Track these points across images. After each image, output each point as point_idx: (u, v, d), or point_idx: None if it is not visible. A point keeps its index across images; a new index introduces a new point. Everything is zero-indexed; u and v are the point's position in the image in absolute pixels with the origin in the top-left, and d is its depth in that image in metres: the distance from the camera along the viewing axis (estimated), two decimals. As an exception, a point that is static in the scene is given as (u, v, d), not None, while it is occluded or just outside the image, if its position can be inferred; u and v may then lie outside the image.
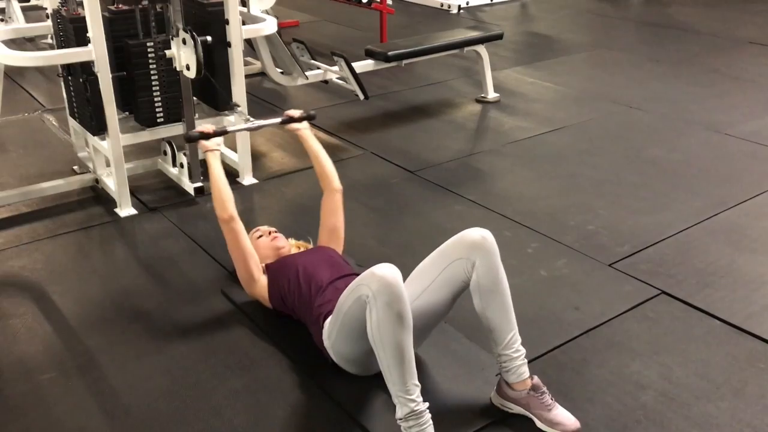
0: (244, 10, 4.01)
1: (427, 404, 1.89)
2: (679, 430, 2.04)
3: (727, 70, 5.48)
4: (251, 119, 2.72)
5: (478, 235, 2.06)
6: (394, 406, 1.90)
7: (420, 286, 2.12)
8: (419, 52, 4.50)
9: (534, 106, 4.74)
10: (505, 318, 2.05)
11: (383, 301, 1.85)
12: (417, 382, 1.88)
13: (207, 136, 2.58)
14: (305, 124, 2.76)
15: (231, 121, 3.48)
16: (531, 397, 2.02)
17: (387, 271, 1.89)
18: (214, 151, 2.57)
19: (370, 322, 1.88)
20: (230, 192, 2.48)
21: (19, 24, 5.61)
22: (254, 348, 2.40)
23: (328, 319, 2.18)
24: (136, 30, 3.26)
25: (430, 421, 1.89)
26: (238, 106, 2.84)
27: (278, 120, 2.75)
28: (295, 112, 2.76)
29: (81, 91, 3.25)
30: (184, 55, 3.01)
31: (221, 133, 2.63)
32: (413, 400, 1.87)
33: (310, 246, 2.72)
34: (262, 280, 2.48)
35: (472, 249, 2.04)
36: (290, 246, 2.67)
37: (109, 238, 3.14)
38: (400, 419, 1.88)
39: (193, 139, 2.60)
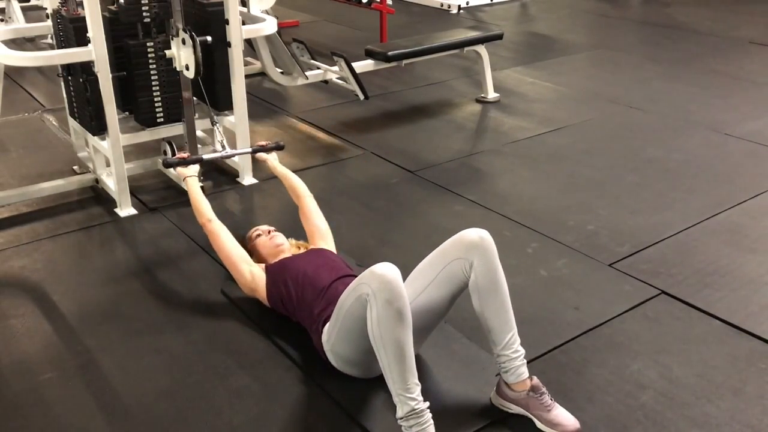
0: (244, 10, 4.00)
1: (427, 403, 1.89)
2: (679, 430, 2.04)
3: (727, 70, 5.48)
4: (225, 147, 3.02)
5: (476, 235, 2.07)
6: (395, 406, 1.89)
7: (420, 285, 2.12)
8: (419, 52, 4.50)
9: (534, 106, 4.74)
10: (504, 318, 2.05)
11: (383, 299, 1.86)
12: (417, 381, 1.89)
13: (184, 162, 2.85)
14: (273, 155, 3.04)
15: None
16: (530, 397, 2.02)
17: (386, 269, 1.91)
18: (192, 176, 2.80)
19: (371, 319, 1.88)
20: (205, 201, 2.69)
21: (19, 24, 5.61)
22: (254, 348, 2.40)
23: (327, 324, 2.18)
24: (136, 30, 3.26)
25: (431, 421, 1.89)
26: (216, 123, 3.12)
27: (249, 150, 3.10)
28: (269, 144, 3.05)
29: (81, 91, 3.25)
30: (183, 55, 3.02)
31: (197, 160, 2.90)
32: (414, 399, 1.87)
33: (310, 246, 2.72)
34: (257, 280, 2.49)
35: (470, 249, 2.05)
36: (289, 245, 2.68)
37: (109, 238, 3.14)
38: (401, 418, 1.88)
39: (171, 165, 2.88)
